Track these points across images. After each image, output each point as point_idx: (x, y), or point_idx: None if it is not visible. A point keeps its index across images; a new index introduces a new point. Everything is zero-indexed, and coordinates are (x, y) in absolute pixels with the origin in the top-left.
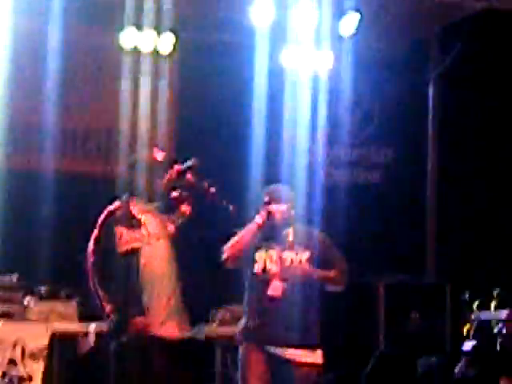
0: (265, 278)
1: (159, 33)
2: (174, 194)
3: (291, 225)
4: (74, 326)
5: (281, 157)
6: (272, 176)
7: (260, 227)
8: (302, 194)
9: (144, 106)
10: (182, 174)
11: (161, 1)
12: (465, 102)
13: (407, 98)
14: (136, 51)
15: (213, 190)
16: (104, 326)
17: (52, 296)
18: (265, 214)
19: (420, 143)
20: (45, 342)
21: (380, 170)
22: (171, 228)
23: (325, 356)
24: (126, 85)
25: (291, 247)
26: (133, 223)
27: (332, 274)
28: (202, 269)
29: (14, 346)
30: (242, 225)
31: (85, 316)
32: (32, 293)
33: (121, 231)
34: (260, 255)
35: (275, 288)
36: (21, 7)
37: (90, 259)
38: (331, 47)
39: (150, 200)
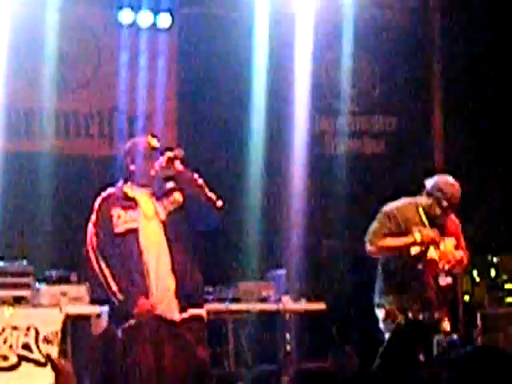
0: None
1: (157, 12)
2: (170, 183)
3: None
4: (86, 309)
5: (281, 129)
6: (271, 149)
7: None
8: (302, 165)
9: (143, 84)
10: (170, 161)
11: None
12: (470, 64)
13: (410, 63)
14: (134, 27)
15: (200, 181)
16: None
17: (63, 280)
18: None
19: (425, 110)
20: (58, 326)
21: (384, 140)
22: (163, 213)
23: None
24: (124, 62)
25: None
26: (128, 205)
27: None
28: (192, 253)
29: (28, 330)
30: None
31: (96, 299)
32: (43, 278)
33: (118, 212)
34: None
35: (445, 279)
36: None
37: (93, 243)
38: (331, 15)
39: (144, 185)
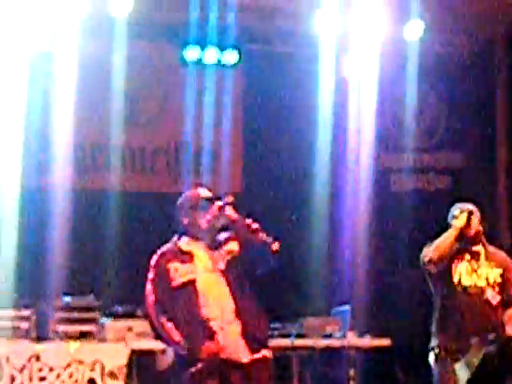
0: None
1: (222, 49)
2: (224, 234)
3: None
4: (151, 344)
5: (346, 166)
6: (336, 185)
7: (461, 230)
8: (367, 202)
9: (209, 120)
10: (222, 209)
11: (224, 16)
12: None
13: (475, 100)
14: (200, 64)
15: (255, 226)
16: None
17: (128, 315)
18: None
19: (490, 146)
20: (123, 360)
21: (449, 176)
22: (221, 264)
23: None
24: (190, 99)
25: (484, 263)
26: (185, 258)
27: None
28: (255, 297)
29: (93, 365)
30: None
31: None
32: (109, 313)
33: (174, 266)
34: (455, 266)
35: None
36: (86, 29)
37: (151, 300)
38: (396, 52)
39: (199, 238)
